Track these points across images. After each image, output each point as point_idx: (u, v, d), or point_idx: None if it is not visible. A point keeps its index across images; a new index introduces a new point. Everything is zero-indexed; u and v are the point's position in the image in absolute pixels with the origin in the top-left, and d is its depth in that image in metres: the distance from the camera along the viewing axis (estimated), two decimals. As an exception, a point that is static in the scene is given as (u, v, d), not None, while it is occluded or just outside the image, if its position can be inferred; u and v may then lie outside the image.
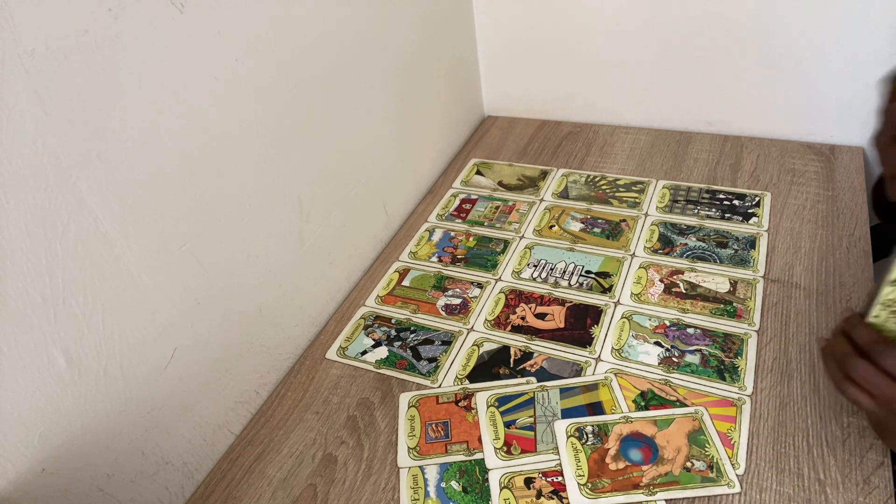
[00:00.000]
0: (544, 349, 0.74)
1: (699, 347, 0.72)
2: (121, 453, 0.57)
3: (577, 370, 0.71)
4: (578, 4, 1.04)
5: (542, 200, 0.97)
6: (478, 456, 0.64)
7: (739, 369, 0.69)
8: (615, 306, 0.78)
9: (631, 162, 1.03)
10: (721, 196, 0.93)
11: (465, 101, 1.15)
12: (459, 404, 0.69)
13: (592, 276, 0.83)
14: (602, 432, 0.64)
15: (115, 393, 0.55)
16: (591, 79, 1.11)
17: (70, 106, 0.47)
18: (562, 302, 0.80)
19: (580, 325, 0.76)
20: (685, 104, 1.07)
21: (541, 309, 0.79)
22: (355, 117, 0.83)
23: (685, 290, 0.79)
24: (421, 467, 0.64)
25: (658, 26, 1.01)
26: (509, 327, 0.77)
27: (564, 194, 0.98)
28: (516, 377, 0.71)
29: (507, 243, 0.90)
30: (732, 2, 0.94)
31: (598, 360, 0.72)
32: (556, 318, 0.78)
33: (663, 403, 0.66)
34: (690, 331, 0.74)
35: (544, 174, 1.03)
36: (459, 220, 0.96)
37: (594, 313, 0.78)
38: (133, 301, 0.55)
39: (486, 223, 0.95)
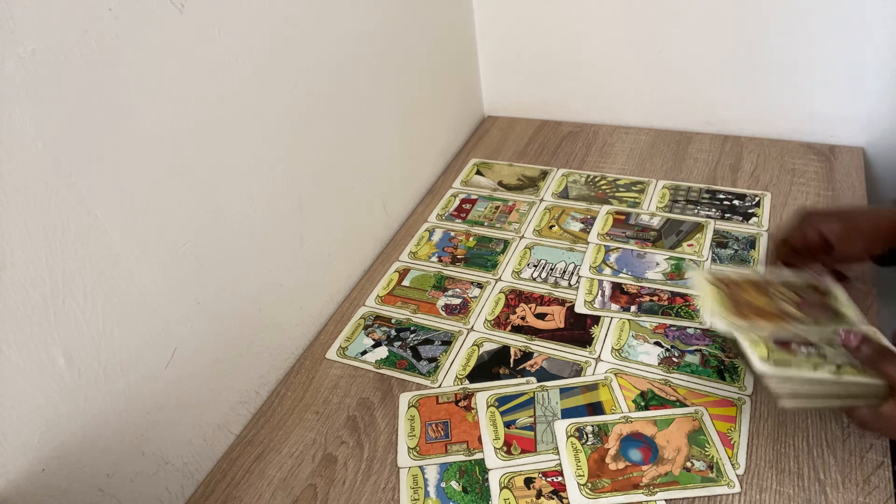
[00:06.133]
0: (544, 349, 0.74)
1: (699, 347, 0.72)
2: (121, 453, 0.57)
3: (577, 370, 0.71)
4: (578, 4, 1.04)
5: (542, 200, 0.97)
6: (478, 456, 0.64)
7: (739, 369, 0.69)
8: (615, 306, 0.78)
9: (631, 162, 1.03)
10: (721, 196, 0.93)
11: (465, 101, 1.15)
12: (459, 404, 0.69)
13: (592, 276, 0.83)
14: (602, 432, 0.64)
15: (115, 393, 0.55)
16: (592, 79, 1.11)
17: (70, 106, 0.47)
18: (562, 302, 0.80)
19: (580, 325, 0.76)
20: (685, 104, 1.07)
21: (541, 309, 0.79)
22: (355, 117, 0.83)
23: (685, 290, 0.79)
24: (421, 467, 0.64)
25: (658, 26, 1.01)
26: (509, 327, 0.77)
27: (564, 194, 0.98)
28: (516, 377, 0.71)
29: (507, 243, 0.90)
30: (732, 2, 0.94)
31: (598, 360, 0.72)
32: (556, 318, 0.78)
33: (663, 403, 0.66)
34: (690, 331, 0.74)
35: (544, 174, 1.03)
36: (459, 220, 0.96)
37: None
38: (133, 301, 0.55)
39: (486, 223, 0.95)
